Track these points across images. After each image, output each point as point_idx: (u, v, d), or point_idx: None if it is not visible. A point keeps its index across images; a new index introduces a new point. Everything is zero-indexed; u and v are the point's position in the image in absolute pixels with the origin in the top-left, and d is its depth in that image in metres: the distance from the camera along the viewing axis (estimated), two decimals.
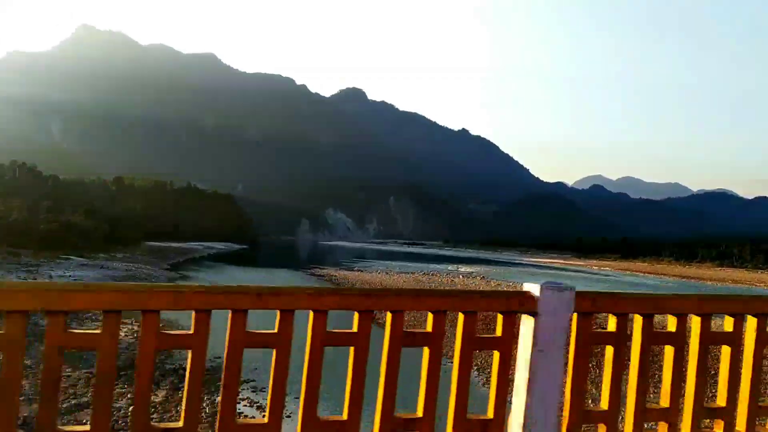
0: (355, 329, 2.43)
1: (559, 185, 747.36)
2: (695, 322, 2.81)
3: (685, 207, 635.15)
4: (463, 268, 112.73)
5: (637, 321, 2.78)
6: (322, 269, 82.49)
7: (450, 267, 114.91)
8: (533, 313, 2.53)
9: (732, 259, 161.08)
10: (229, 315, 2.28)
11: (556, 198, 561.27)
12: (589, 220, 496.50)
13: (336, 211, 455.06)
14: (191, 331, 2.27)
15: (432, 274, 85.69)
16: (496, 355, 2.58)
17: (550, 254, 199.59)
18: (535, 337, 2.52)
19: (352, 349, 2.43)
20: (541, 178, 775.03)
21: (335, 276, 70.09)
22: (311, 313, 2.37)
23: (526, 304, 2.53)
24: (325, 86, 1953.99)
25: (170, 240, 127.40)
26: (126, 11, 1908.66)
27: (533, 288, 2.56)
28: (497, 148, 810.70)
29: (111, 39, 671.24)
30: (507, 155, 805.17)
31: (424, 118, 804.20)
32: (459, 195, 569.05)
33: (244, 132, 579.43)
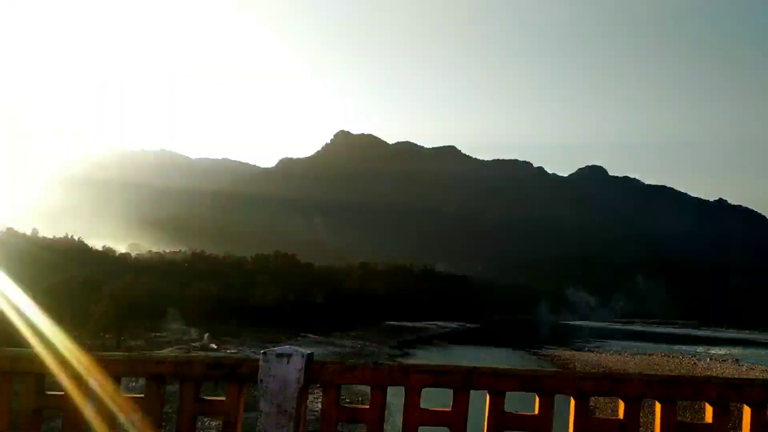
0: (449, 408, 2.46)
1: None
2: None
3: None
4: (717, 350, 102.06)
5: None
6: (549, 349, 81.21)
7: (699, 348, 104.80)
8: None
9: None
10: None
11: None
12: None
13: (577, 290, 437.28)
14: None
15: (671, 356, 79.49)
16: None
17: None
18: None
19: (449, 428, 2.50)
20: None
21: (560, 356, 68.89)
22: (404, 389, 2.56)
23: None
24: (563, 166, 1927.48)
25: (407, 320, 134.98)
26: (377, 115, 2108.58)
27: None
28: (763, 217, 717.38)
29: (364, 141, 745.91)
30: None
31: (672, 189, 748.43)
32: (718, 269, 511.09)
33: (483, 216, 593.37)
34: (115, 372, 2.58)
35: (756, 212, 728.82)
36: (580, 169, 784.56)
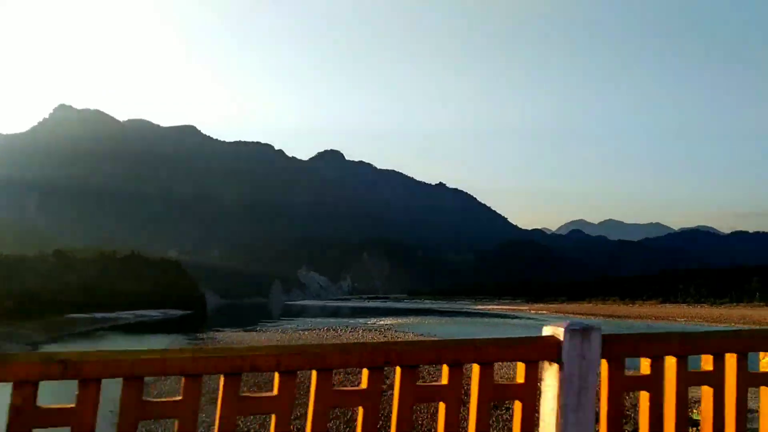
0: (364, 385, 2.25)
1: (537, 232, 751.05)
2: (730, 361, 2.56)
3: (663, 246, 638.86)
4: (386, 321, 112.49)
5: (670, 362, 2.53)
6: (219, 331, 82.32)
7: (373, 320, 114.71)
8: (557, 361, 2.28)
9: (677, 295, 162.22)
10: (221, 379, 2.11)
11: (532, 244, 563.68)
12: (566, 264, 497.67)
13: (309, 270, 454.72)
14: (179, 398, 2.09)
15: (340, 329, 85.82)
16: (518, 405, 2.35)
17: (503, 301, 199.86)
18: (561, 386, 2.24)
19: (360, 409, 2.25)
20: (519, 226, 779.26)
21: (213, 339, 69.96)
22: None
23: (548, 350, 2.29)
24: (304, 150, 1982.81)
25: (103, 310, 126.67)
26: (104, 90, 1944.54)
27: (557, 332, 2.31)
28: (474, 199, 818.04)
29: (89, 117, 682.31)
30: (485, 205, 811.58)
31: (401, 174, 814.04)
32: (436, 247, 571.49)
33: (221, 199, 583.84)
34: None
35: (468, 194, 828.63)
36: (319, 153, 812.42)
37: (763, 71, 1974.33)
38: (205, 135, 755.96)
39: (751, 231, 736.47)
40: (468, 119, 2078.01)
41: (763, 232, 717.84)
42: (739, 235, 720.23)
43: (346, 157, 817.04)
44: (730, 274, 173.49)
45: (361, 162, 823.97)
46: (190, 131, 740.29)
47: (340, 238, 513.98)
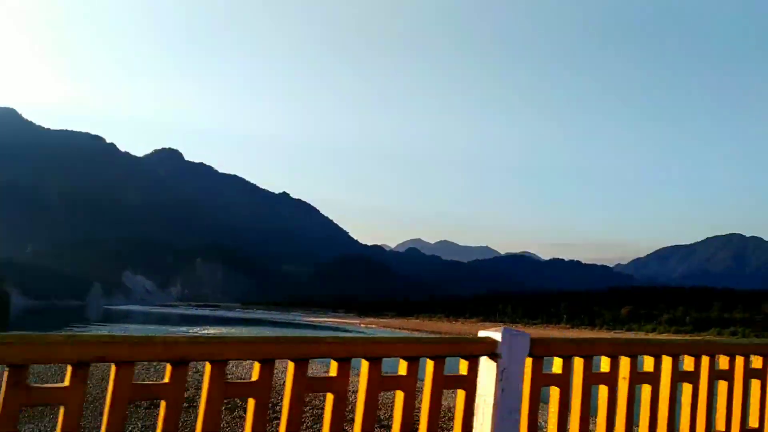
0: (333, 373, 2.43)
1: (377, 248, 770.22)
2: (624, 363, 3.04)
3: (489, 268, 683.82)
4: (212, 330, 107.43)
5: (578, 363, 2.92)
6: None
7: (197, 329, 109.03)
8: (494, 356, 2.65)
9: (496, 314, 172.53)
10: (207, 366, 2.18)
11: (370, 260, 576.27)
12: (402, 280, 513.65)
13: (135, 273, 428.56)
14: (166, 381, 2.12)
15: None
16: (461, 393, 2.67)
17: (336, 314, 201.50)
18: (497, 378, 2.63)
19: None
20: (360, 241, 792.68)
21: None
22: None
23: (488, 348, 2.66)
24: (139, 145, 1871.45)
25: None
26: None
27: (495, 334, 2.70)
28: (317, 211, 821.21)
29: None
30: (327, 218, 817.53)
31: (244, 180, 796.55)
32: (275, 256, 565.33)
33: (41, 191, 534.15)
34: None
35: (311, 205, 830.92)
36: (156, 150, 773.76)
37: (590, 112, 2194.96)
38: (26, 120, 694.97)
39: (566, 259, 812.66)
40: (317, 131, 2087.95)
41: (576, 261, 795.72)
42: (556, 263, 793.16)
43: (186, 157, 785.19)
44: (544, 297, 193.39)
45: (201, 163, 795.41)
46: (8, 114, 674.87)
47: (172, 242, 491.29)
